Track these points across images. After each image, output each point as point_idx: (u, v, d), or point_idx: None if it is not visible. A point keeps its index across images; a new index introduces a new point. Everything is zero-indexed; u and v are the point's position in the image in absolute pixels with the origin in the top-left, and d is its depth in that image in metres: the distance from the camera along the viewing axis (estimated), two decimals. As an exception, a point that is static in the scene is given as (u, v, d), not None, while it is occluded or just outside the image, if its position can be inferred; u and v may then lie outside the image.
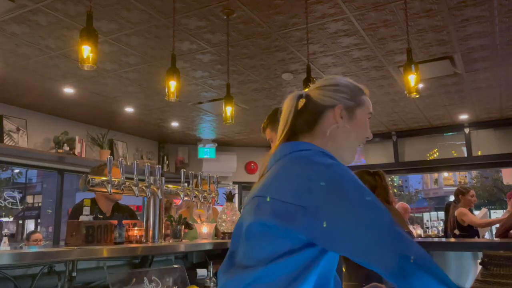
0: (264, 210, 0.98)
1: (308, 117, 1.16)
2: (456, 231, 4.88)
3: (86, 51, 2.44)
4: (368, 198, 0.94)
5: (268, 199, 0.99)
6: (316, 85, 1.21)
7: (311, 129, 1.15)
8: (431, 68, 4.24)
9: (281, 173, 1.03)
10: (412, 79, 2.95)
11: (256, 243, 0.99)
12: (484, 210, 5.08)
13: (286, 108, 1.18)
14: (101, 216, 2.78)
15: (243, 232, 1.05)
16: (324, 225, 0.91)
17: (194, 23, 3.37)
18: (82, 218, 2.23)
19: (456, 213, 4.92)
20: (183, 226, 2.56)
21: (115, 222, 2.21)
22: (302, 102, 1.18)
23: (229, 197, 2.78)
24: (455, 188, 5.36)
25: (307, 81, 3.24)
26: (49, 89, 4.78)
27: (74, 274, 1.90)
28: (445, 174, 21.34)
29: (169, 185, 2.59)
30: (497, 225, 4.45)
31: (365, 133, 1.20)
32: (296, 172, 1.00)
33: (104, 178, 2.17)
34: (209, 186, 2.94)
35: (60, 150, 5.47)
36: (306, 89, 1.23)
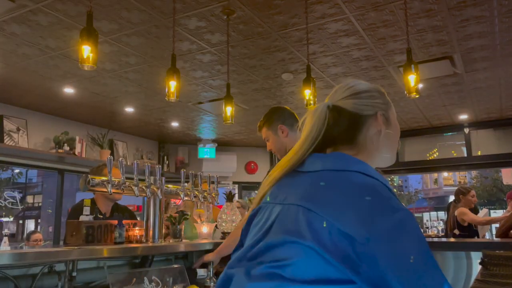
0: (321, 236, 0.88)
1: (345, 130, 1.09)
2: (456, 231, 4.89)
3: (86, 51, 2.44)
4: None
5: (325, 224, 0.88)
6: (344, 95, 1.13)
7: (352, 141, 1.09)
8: (431, 68, 4.24)
9: (340, 198, 0.92)
10: (412, 79, 2.95)
11: (301, 261, 0.89)
12: (484, 210, 5.08)
13: (317, 121, 1.07)
14: (101, 216, 2.78)
15: (279, 240, 0.94)
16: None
17: (194, 23, 3.37)
18: (82, 218, 2.23)
19: (456, 212, 4.92)
20: (183, 223, 2.57)
21: (115, 222, 2.21)
22: (331, 115, 1.10)
23: (229, 197, 2.78)
24: (455, 188, 5.37)
25: (307, 81, 3.24)
26: (49, 89, 4.78)
27: (74, 274, 1.90)
28: (445, 174, 21.35)
29: (169, 185, 2.59)
30: (497, 225, 4.45)
31: (399, 133, 1.18)
32: (361, 205, 0.90)
33: (104, 178, 2.17)
34: (209, 186, 2.94)
35: (60, 150, 5.47)
36: (327, 100, 1.13)
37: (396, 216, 0.88)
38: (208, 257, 2.36)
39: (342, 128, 1.09)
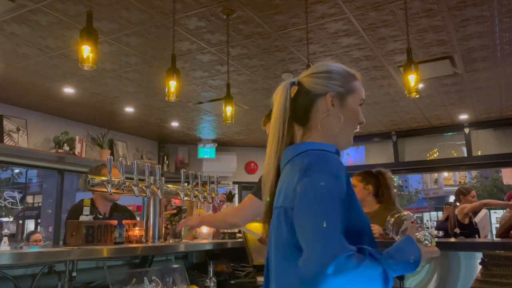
0: None
1: (301, 106, 1.17)
2: (457, 230, 4.88)
3: (86, 51, 2.44)
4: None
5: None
6: (308, 72, 1.21)
7: (307, 119, 1.17)
8: (431, 68, 4.23)
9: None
10: (412, 79, 2.95)
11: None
12: (484, 210, 5.07)
13: (281, 96, 1.17)
14: (101, 216, 2.78)
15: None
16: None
17: (194, 23, 3.37)
18: (82, 218, 2.23)
19: (456, 211, 4.92)
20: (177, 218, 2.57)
21: (115, 222, 2.21)
22: (294, 89, 1.19)
23: (229, 197, 2.78)
24: (455, 188, 5.36)
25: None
26: (49, 89, 4.78)
27: (74, 274, 1.90)
28: (445, 174, 21.32)
29: (169, 185, 2.59)
30: (497, 225, 4.45)
31: (357, 119, 1.19)
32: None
33: (104, 178, 2.17)
34: (209, 186, 2.94)
35: (60, 150, 5.47)
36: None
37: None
38: (193, 221, 2.41)
39: (299, 105, 1.17)
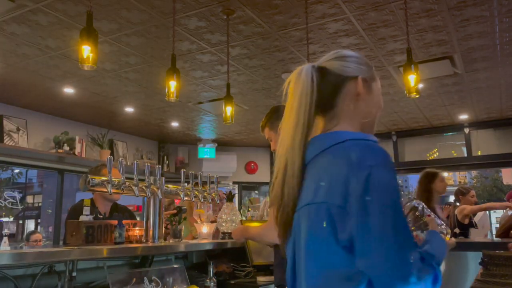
0: None
1: (327, 90, 1.07)
2: (457, 230, 4.88)
3: (86, 51, 2.44)
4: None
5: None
6: (331, 57, 1.12)
7: (332, 104, 1.07)
8: (431, 68, 4.24)
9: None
10: (412, 79, 2.95)
11: None
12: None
13: (303, 80, 1.05)
14: (101, 216, 2.78)
15: None
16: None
17: (194, 23, 3.37)
18: (82, 218, 2.22)
19: (456, 211, 4.92)
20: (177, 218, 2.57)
21: (115, 222, 2.21)
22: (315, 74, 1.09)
23: (229, 197, 2.78)
24: (455, 188, 5.36)
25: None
26: (49, 89, 4.78)
27: (74, 274, 1.90)
28: (445, 174, 21.30)
29: (169, 185, 2.59)
30: (497, 225, 4.45)
31: (380, 107, 1.15)
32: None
33: (104, 178, 2.17)
34: (209, 186, 2.94)
35: (60, 150, 5.47)
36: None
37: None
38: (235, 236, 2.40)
39: (324, 89, 1.06)
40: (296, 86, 1.06)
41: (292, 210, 1.04)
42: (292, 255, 1.05)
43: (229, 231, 2.71)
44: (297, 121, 1.04)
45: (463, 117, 6.26)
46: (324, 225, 0.93)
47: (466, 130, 6.61)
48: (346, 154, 0.96)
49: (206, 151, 7.41)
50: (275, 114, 2.37)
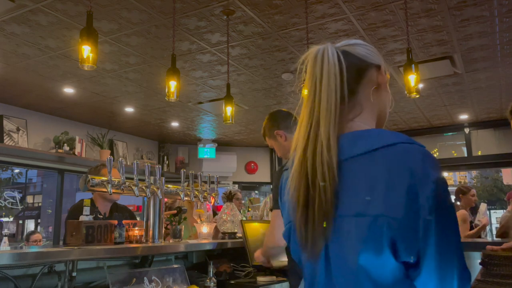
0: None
1: (351, 75, 0.95)
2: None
3: (86, 51, 2.44)
4: None
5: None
6: (349, 43, 1.02)
7: (354, 90, 0.97)
8: (431, 68, 4.23)
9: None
10: (412, 79, 2.95)
11: None
12: (484, 205, 5.04)
13: (329, 60, 0.92)
14: (101, 216, 2.78)
15: None
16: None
17: (194, 23, 3.37)
18: (82, 218, 2.22)
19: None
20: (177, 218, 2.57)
21: (115, 222, 2.21)
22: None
23: (229, 197, 2.78)
24: (455, 188, 5.35)
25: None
26: (49, 89, 4.78)
27: (74, 274, 1.90)
28: (445, 174, 21.33)
29: (169, 185, 2.59)
30: (497, 225, 4.44)
31: (392, 105, 1.08)
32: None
33: (104, 178, 2.17)
34: (209, 186, 2.94)
35: (60, 150, 5.47)
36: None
37: None
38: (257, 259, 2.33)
39: (348, 77, 0.93)
40: (320, 66, 0.93)
41: (322, 218, 0.88)
42: (324, 265, 0.91)
43: (230, 231, 2.71)
44: (327, 108, 0.90)
45: (463, 117, 6.26)
46: (383, 240, 0.83)
47: (466, 130, 6.62)
48: (404, 161, 0.86)
49: (206, 151, 7.41)
50: (269, 122, 2.33)
